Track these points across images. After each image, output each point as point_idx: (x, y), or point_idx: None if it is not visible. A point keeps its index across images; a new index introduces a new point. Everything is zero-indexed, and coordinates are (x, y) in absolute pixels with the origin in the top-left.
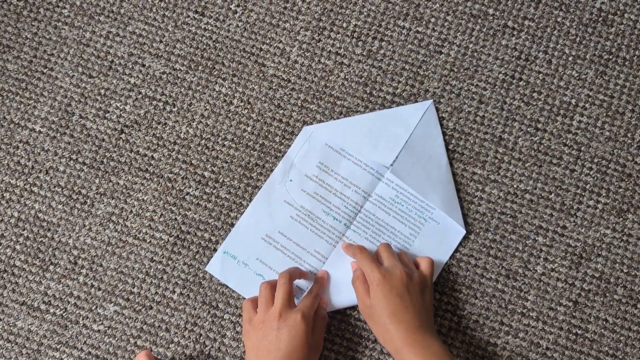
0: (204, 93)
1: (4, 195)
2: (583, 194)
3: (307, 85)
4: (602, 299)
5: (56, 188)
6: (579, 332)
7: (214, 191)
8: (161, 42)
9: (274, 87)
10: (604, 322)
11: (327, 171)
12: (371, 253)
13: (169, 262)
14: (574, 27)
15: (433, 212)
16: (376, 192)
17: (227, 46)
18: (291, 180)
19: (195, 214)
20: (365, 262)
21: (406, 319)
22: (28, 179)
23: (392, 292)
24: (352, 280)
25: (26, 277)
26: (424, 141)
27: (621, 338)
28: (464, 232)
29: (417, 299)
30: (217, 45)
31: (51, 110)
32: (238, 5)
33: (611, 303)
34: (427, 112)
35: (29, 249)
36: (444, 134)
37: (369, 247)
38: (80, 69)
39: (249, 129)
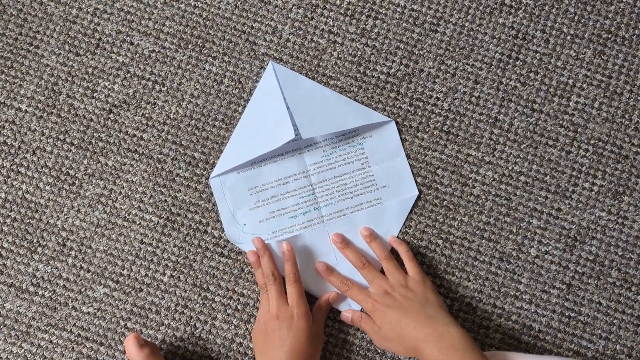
0: (194, 72)
1: None
2: (579, 176)
3: (299, 65)
4: (596, 281)
5: (43, 169)
6: (572, 314)
7: (204, 172)
8: (150, 19)
9: (265, 66)
10: (598, 305)
11: (261, 188)
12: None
13: (159, 244)
14: (573, 5)
15: (359, 131)
16: (309, 164)
17: (217, 24)
18: (245, 224)
19: (185, 195)
20: (356, 296)
21: (412, 319)
22: (15, 160)
23: (389, 308)
24: (356, 323)
25: (14, 258)
26: (293, 89)
27: (615, 321)
28: (395, 126)
29: (416, 297)
30: (207, 23)
31: (37, 89)
32: None
33: (605, 286)
34: (267, 73)
35: (16, 231)
36: (438, 114)
37: (345, 207)
38: (66, 47)
39: (239, 109)
